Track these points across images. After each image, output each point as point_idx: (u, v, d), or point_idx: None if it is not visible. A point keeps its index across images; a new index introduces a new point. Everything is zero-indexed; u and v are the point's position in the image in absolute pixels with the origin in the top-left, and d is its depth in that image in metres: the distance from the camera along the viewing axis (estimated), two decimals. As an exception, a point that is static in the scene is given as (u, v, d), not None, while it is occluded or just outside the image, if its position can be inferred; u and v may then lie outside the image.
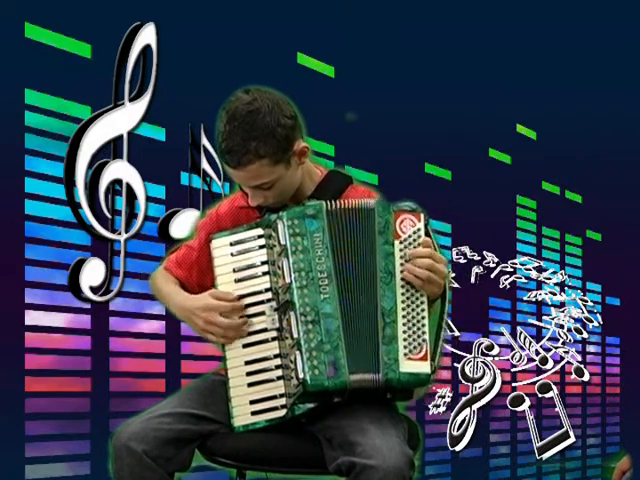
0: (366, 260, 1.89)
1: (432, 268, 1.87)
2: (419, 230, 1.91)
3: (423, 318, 1.88)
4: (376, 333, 1.85)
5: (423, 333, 1.86)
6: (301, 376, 1.82)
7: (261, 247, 1.95)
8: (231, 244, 1.97)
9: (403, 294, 1.88)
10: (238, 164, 1.89)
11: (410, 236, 1.90)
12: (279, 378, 1.91)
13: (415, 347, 1.86)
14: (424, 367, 1.85)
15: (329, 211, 1.90)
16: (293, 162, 1.95)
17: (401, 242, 1.90)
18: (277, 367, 1.91)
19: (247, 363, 1.93)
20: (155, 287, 2.14)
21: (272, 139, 1.87)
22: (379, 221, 1.90)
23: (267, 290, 1.93)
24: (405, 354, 1.84)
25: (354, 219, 1.91)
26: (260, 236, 1.95)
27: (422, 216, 1.92)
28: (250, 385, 1.92)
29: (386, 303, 1.86)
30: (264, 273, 1.94)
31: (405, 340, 1.85)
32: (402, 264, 1.88)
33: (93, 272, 3.07)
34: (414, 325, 1.86)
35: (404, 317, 1.86)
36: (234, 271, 1.96)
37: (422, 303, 1.88)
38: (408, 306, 1.87)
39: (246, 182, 1.95)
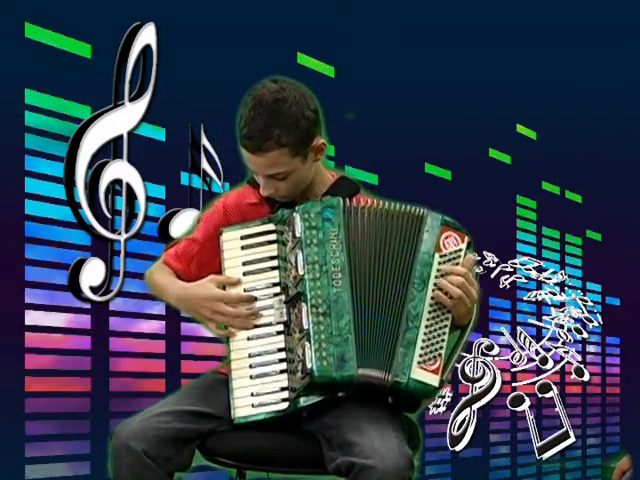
0: (400, 261, 1.90)
1: (464, 287, 1.88)
2: (460, 251, 1.92)
3: (444, 333, 1.89)
4: (396, 334, 1.86)
5: (441, 347, 1.87)
6: (309, 366, 1.82)
7: (271, 242, 1.96)
8: (242, 238, 1.97)
9: (431, 305, 1.88)
10: (258, 149, 1.89)
11: (451, 253, 1.91)
12: (282, 372, 1.91)
13: (430, 358, 1.86)
14: (433, 380, 1.86)
15: (346, 208, 1.91)
16: (310, 157, 1.95)
17: (441, 256, 1.91)
18: (281, 361, 1.91)
19: (251, 356, 1.93)
20: (151, 281, 2.12)
21: (295, 129, 1.88)
22: (426, 229, 1.91)
23: (275, 284, 1.94)
24: (419, 362, 1.85)
25: (395, 221, 1.91)
26: (272, 231, 1.96)
27: (466, 239, 1.94)
28: (252, 378, 1.92)
29: (413, 308, 1.87)
30: (273, 268, 1.95)
31: (422, 349, 1.86)
32: (436, 276, 1.89)
33: (93, 272, 3.07)
34: (434, 337, 1.87)
35: (427, 327, 1.87)
36: (243, 265, 1.96)
37: (447, 319, 1.89)
38: (433, 318, 1.88)
39: (262, 170, 1.94)
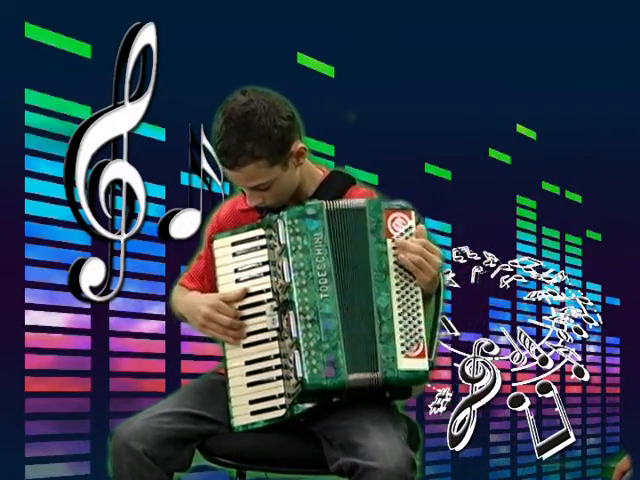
0: (361, 259, 1.89)
1: (423, 254, 1.86)
2: (411, 228, 1.90)
3: (419, 315, 1.87)
4: (373, 332, 1.85)
5: (420, 330, 1.86)
6: (300, 375, 1.82)
7: (262, 247, 1.95)
8: (232, 244, 1.97)
9: (398, 292, 1.87)
10: (234, 165, 1.89)
11: (402, 234, 1.90)
12: (279, 378, 1.91)
13: (412, 344, 1.85)
14: (422, 364, 1.85)
15: (329, 211, 1.91)
16: (290, 163, 1.95)
17: (393, 240, 1.90)
18: (277, 367, 1.92)
19: (247, 363, 1.93)
20: (174, 306, 2.15)
21: (268, 140, 1.88)
22: (371, 220, 1.90)
23: (268, 290, 1.93)
24: (402, 352, 1.84)
25: (349, 218, 1.91)
26: (261, 236, 1.95)
27: (413, 214, 1.92)
28: (250, 385, 1.92)
29: (381, 302, 1.86)
30: (265, 273, 1.94)
31: (402, 338, 1.85)
32: (395, 262, 1.88)
33: (93, 272, 3.07)
34: (410, 323, 1.86)
35: (400, 315, 1.86)
36: (235, 271, 1.96)
37: (417, 300, 1.88)
38: (403, 304, 1.87)
39: (243, 183, 1.95)
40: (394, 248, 1.89)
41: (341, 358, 1.83)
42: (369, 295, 1.87)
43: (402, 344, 1.85)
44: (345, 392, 1.85)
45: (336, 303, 1.86)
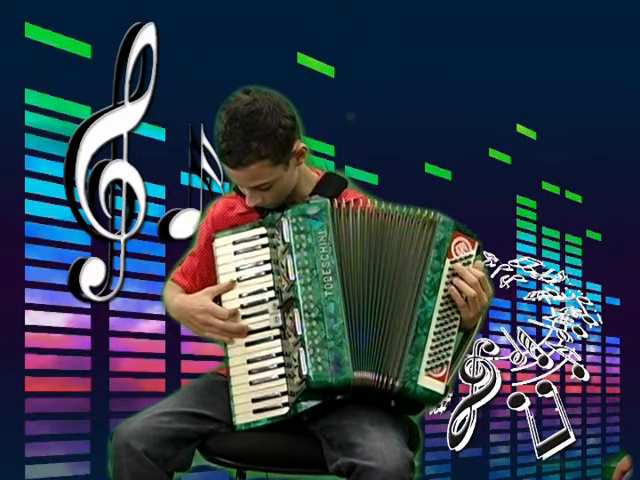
0: (408, 265, 1.89)
1: (477, 289, 1.88)
2: (470, 257, 1.92)
3: (452, 340, 1.89)
4: (404, 339, 1.86)
5: (448, 355, 1.88)
6: (305, 372, 1.82)
7: (264, 246, 1.95)
8: (234, 243, 1.97)
9: (440, 312, 1.88)
10: (238, 164, 1.89)
11: (461, 259, 1.91)
12: (281, 376, 1.91)
13: (437, 365, 1.87)
14: (439, 387, 1.87)
15: (334, 209, 1.91)
16: (292, 163, 1.95)
17: (452, 262, 1.90)
18: (279, 365, 1.91)
19: (249, 362, 1.93)
20: (165, 302, 2.15)
21: (273, 140, 1.88)
22: (438, 235, 1.90)
23: (270, 289, 1.93)
24: (426, 369, 1.86)
25: (405, 225, 1.91)
26: (263, 235, 1.96)
27: (477, 244, 1.93)
28: (252, 383, 1.92)
29: (423, 314, 1.87)
30: (267, 272, 1.94)
31: (430, 356, 1.86)
32: (447, 283, 1.89)
33: (93, 272, 3.07)
34: (442, 344, 1.88)
35: (435, 334, 1.87)
36: (237, 270, 1.96)
37: (455, 327, 1.90)
38: (442, 324, 1.88)
39: (246, 182, 1.95)
40: (450, 270, 1.89)
41: (346, 355, 1.83)
42: (411, 303, 1.87)
43: (428, 362, 1.86)
44: (350, 390, 1.85)
45: (341, 301, 1.86)
